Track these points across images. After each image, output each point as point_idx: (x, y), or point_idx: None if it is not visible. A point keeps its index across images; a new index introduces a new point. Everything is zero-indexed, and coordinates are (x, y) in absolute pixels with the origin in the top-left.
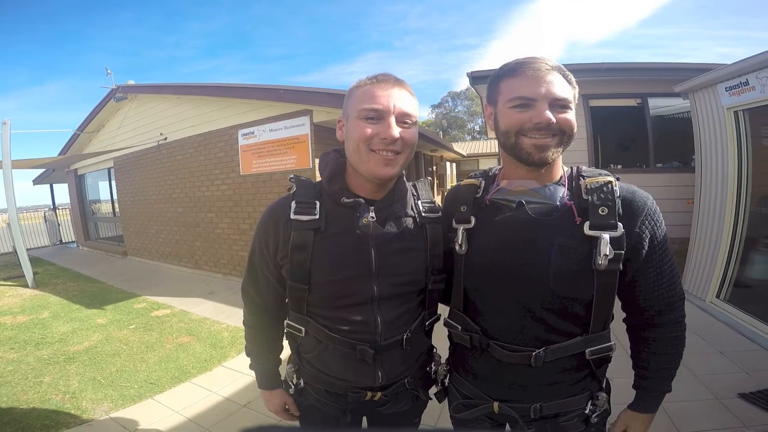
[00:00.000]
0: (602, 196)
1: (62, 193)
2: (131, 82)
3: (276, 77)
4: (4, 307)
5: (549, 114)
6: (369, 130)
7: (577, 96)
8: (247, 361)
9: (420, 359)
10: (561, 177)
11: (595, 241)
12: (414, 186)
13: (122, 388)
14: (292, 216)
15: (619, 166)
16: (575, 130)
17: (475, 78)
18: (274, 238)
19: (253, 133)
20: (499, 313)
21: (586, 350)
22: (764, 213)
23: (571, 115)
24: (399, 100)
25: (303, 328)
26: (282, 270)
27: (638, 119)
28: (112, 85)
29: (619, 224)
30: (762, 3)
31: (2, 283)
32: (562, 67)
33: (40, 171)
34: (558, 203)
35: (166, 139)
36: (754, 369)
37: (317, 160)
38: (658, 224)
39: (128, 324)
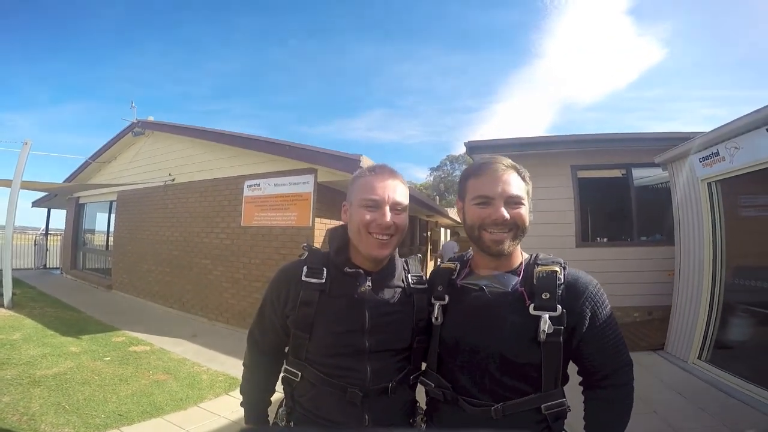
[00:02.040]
0: (547, 282)
1: (57, 219)
2: (151, 119)
3: (282, 126)
4: None
5: (504, 212)
6: (368, 217)
7: (530, 191)
8: (226, 404)
9: (404, 409)
10: (520, 264)
11: (538, 319)
12: (406, 261)
13: (87, 416)
14: (304, 278)
15: (605, 239)
16: (527, 223)
17: (472, 148)
18: (286, 292)
19: (258, 185)
20: (465, 374)
21: (542, 406)
22: (738, 283)
23: (524, 210)
24: (393, 190)
25: (300, 373)
26: (288, 320)
27: (623, 190)
28: (133, 118)
29: (559, 306)
30: (742, 61)
31: None
32: (518, 166)
33: (41, 193)
34: (510, 289)
35: (174, 180)
36: (733, 422)
37: (317, 219)
38: (599, 304)
39: (103, 355)
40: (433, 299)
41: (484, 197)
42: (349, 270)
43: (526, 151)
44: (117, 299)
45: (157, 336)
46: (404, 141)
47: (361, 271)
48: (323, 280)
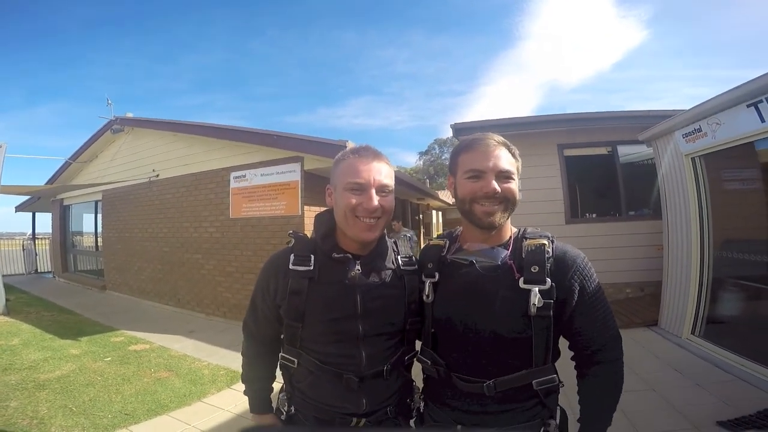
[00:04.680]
0: (536, 256)
1: (43, 222)
2: (129, 115)
3: (266, 117)
4: None
5: (495, 184)
6: (354, 201)
7: (520, 168)
8: (229, 398)
9: (400, 390)
10: (509, 238)
11: (529, 293)
12: (395, 242)
13: (95, 417)
14: (291, 266)
15: (594, 215)
16: (517, 197)
17: (458, 129)
18: (275, 283)
19: (244, 176)
20: (458, 350)
21: (533, 381)
22: (727, 256)
23: (513, 185)
24: (378, 172)
25: (296, 360)
26: (280, 310)
27: (609, 167)
28: (110, 115)
29: (548, 279)
30: (724, 41)
31: None
32: (508, 143)
33: (23, 198)
34: (500, 262)
35: (158, 176)
36: (731, 398)
37: (306, 207)
38: (587, 278)
39: (104, 356)
40: (423, 277)
41: (475, 171)
42: (337, 255)
43: (513, 131)
44: (112, 299)
45: (156, 334)
46: (392, 126)
47: (350, 255)
48: (311, 267)
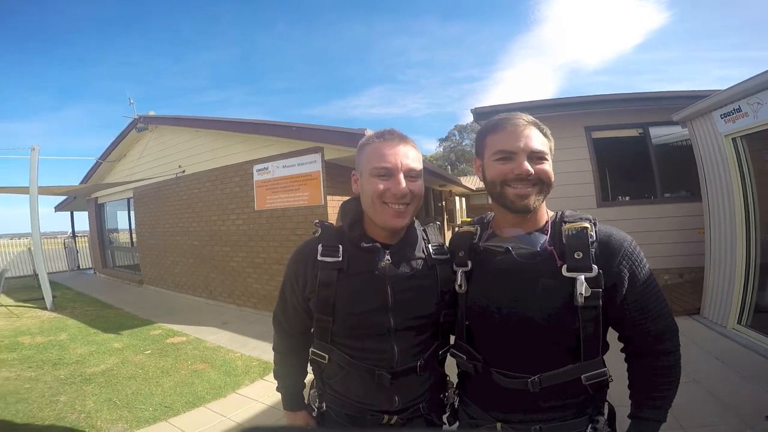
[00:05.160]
0: (578, 241)
1: (82, 221)
2: (152, 113)
3: (282, 111)
4: (23, 327)
5: (527, 166)
6: (381, 186)
7: (553, 148)
8: (262, 389)
9: (434, 386)
10: (546, 222)
11: (573, 281)
12: (424, 230)
13: (137, 410)
14: (319, 257)
15: (627, 198)
16: (553, 179)
17: (479, 114)
18: (303, 275)
19: (267, 168)
20: (497, 344)
21: (582, 376)
22: None
23: (548, 166)
24: (405, 156)
25: (327, 356)
26: (309, 303)
27: (641, 149)
28: (134, 114)
29: (594, 266)
30: (755, 21)
31: (22, 304)
32: (538, 122)
33: (61, 198)
34: (539, 249)
35: (184, 171)
36: None
37: (329, 197)
38: (637, 263)
39: (144, 349)
40: (454, 266)
41: (505, 152)
42: (365, 245)
43: (537, 114)
44: (148, 293)
45: (191, 326)
46: (409, 114)
47: (378, 245)
48: (340, 258)
